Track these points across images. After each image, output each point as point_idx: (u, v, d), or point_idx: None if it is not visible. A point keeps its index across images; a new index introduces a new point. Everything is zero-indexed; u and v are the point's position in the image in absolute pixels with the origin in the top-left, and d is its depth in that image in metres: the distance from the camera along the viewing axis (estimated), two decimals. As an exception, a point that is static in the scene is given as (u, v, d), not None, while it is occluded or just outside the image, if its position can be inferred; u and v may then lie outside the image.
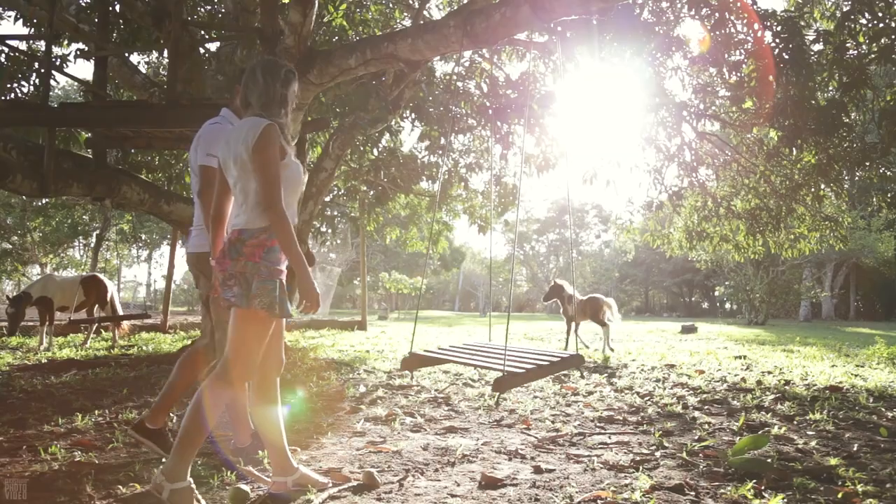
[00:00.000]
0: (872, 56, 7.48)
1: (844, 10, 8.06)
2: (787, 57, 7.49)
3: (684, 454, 3.97)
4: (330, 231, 15.41)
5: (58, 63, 9.32)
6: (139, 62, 12.81)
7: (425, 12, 11.19)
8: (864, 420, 5.17)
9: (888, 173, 9.53)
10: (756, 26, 7.39)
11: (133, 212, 19.21)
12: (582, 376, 7.57)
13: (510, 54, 11.90)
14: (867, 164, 8.93)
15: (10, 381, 6.61)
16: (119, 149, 10.09)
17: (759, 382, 7.21)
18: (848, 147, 8.88)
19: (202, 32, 9.36)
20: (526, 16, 5.51)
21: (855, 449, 4.15)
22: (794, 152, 8.92)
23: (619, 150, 13.96)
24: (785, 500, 3.13)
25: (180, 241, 14.98)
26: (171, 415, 4.81)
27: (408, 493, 3.24)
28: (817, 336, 18.12)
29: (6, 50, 8.55)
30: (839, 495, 3.19)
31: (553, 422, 5.08)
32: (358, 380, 7.18)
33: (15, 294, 10.45)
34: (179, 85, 6.40)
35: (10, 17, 9.25)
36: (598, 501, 3.13)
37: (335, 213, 14.84)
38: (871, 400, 6.05)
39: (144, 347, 10.34)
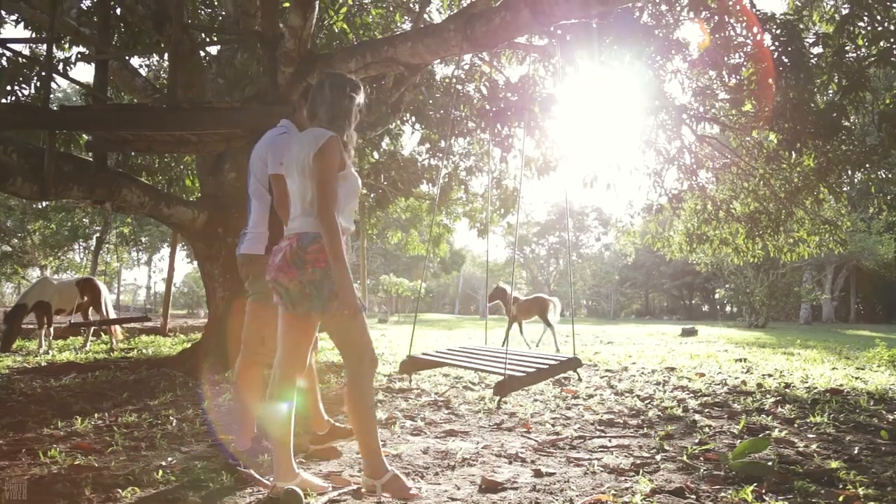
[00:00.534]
0: (872, 59, 7.48)
1: (843, 13, 8.06)
2: (786, 60, 7.50)
3: (685, 457, 3.97)
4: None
5: (59, 66, 9.32)
6: (140, 65, 12.83)
7: (425, 16, 11.19)
8: (865, 423, 5.17)
9: (888, 176, 9.53)
10: (755, 29, 7.40)
11: (133, 215, 19.22)
12: (580, 379, 7.57)
13: (510, 58, 11.90)
14: (867, 166, 8.93)
15: (10, 384, 6.61)
16: (119, 152, 10.10)
17: (759, 385, 7.21)
18: (848, 150, 8.88)
19: (203, 36, 9.37)
20: (525, 19, 5.52)
21: (856, 452, 4.15)
22: (794, 155, 8.91)
23: (619, 153, 13.97)
24: (786, 503, 3.13)
25: (180, 245, 15.01)
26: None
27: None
28: (818, 339, 18.12)
29: (8, 53, 8.56)
30: (840, 499, 3.19)
31: (553, 425, 5.08)
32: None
33: (11, 307, 10.38)
34: (180, 89, 6.40)
35: (11, 21, 9.24)
36: (599, 505, 3.13)
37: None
38: (871, 403, 6.04)
39: (144, 350, 10.33)
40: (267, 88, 6.29)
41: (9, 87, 8.59)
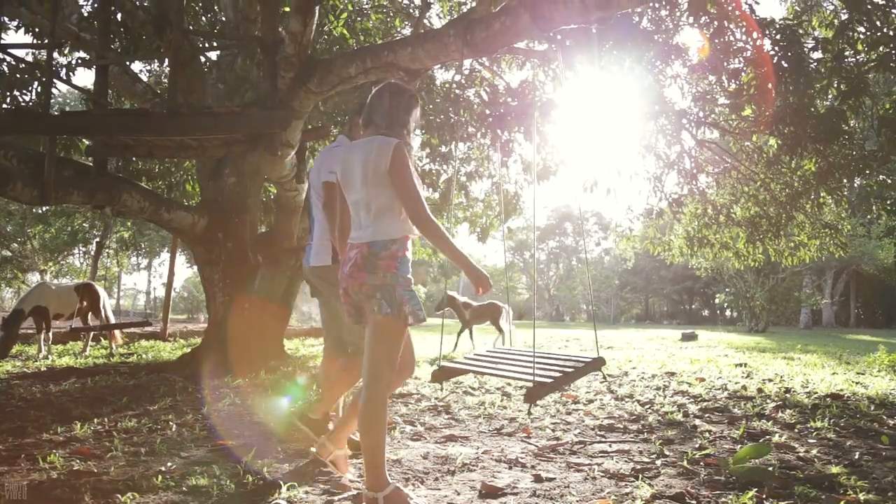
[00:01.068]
0: (871, 64, 7.49)
1: (843, 18, 8.08)
2: (786, 65, 7.51)
3: (685, 463, 3.96)
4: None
5: (60, 72, 9.33)
6: (140, 71, 12.85)
7: (425, 21, 11.21)
8: (866, 428, 5.16)
9: (888, 181, 9.54)
10: (755, 34, 7.41)
11: (133, 220, 19.21)
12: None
13: (510, 63, 11.92)
14: (867, 171, 8.94)
15: (9, 389, 6.60)
16: (120, 157, 10.10)
17: (759, 390, 7.20)
18: (847, 154, 8.89)
19: (203, 41, 9.39)
20: (525, 25, 5.52)
21: (857, 457, 4.14)
22: (794, 160, 8.92)
23: (618, 158, 13.98)
24: (786, 508, 3.12)
25: (180, 250, 15.01)
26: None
27: (408, 502, 3.23)
28: (818, 343, 18.11)
29: (8, 59, 8.57)
30: (841, 503, 3.19)
31: (553, 430, 5.08)
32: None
33: (9, 312, 10.34)
34: (180, 94, 6.41)
35: (12, 26, 9.25)
36: (599, 510, 3.13)
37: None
38: (872, 407, 6.03)
39: (144, 355, 10.32)
40: (267, 93, 6.30)
41: (9, 93, 8.59)
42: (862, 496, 3.28)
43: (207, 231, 8.65)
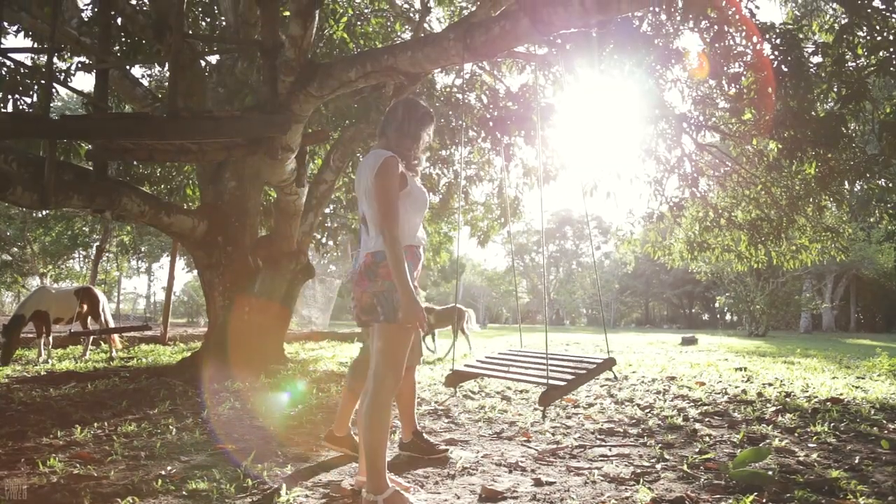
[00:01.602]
0: (871, 68, 7.50)
1: (843, 22, 8.08)
2: (785, 69, 7.51)
3: (685, 467, 3.96)
4: (331, 243, 15.42)
5: (59, 76, 9.34)
6: (141, 75, 12.86)
7: (426, 25, 11.23)
8: (866, 432, 5.15)
9: (889, 185, 9.53)
10: (755, 39, 7.41)
11: (133, 223, 19.23)
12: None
13: (510, 67, 11.94)
14: (868, 175, 8.93)
15: (9, 393, 6.59)
16: (120, 161, 10.10)
17: (759, 394, 7.19)
18: (848, 159, 8.89)
19: (203, 45, 9.39)
20: (525, 29, 5.52)
21: (857, 461, 4.14)
22: (795, 164, 8.92)
23: (619, 162, 13.97)
24: (787, 513, 3.12)
25: (180, 254, 15.01)
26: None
27: (408, 507, 3.23)
28: (818, 348, 18.10)
29: (8, 63, 8.58)
30: (841, 508, 3.18)
31: (553, 434, 5.07)
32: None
33: (9, 318, 10.31)
34: (180, 98, 6.41)
35: (12, 31, 9.26)
36: (599, 514, 3.12)
37: (335, 224, 14.84)
38: (872, 412, 6.03)
39: (144, 359, 10.32)
40: (267, 97, 6.30)
41: (9, 97, 8.60)
42: (862, 500, 3.28)
43: (207, 235, 8.65)
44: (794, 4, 10.62)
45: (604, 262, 66.83)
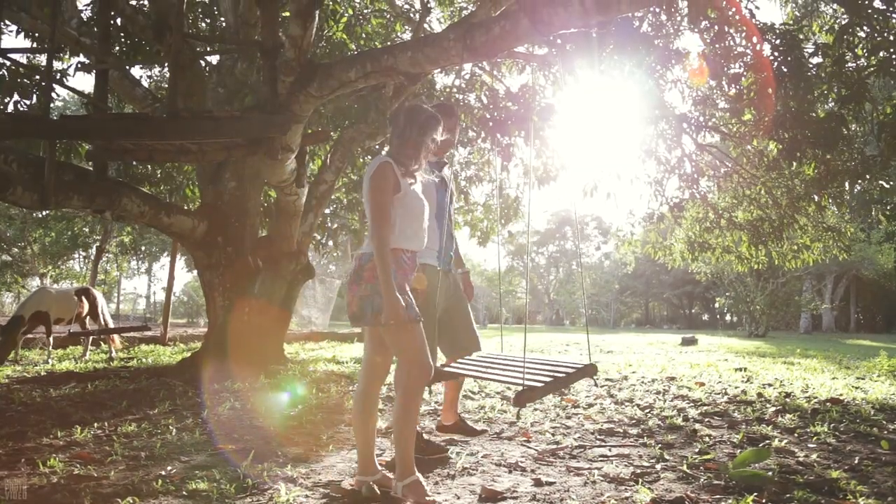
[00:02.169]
0: (871, 69, 7.49)
1: (843, 23, 8.08)
2: (785, 70, 7.51)
3: (685, 467, 3.96)
4: (331, 243, 15.43)
5: (58, 76, 9.33)
6: (140, 75, 12.87)
7: (425, 25, 11.23)
8: (866, 433, 5.16)
9: (888, 186, 9.53)
10: (755, 39, 7.41)
11: (133, 224, 19.22)
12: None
13: (510, 67, 11.94)
14: (867, 176, 8.93)
15: (9, 393, 6.59)
16: (120, 161, 10.10)
17: (759, 395, 7.19)
18: (847, 159, 8.89)
19: (203, 45, 9.39)
20: (525, 29, 5.52)
21: (856, 462, 4.14)
22: (794, 165, 8.92)
23: (619, 162, 13.97)
24: (786, 513, 3.12)
25: (180, 254, 14.99)
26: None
27: (408, 507, 3.24)
28: (818, 348, 18.09)
29: (8, 63, 8.58)
30: (841, 508, 3.18)
31: (553, 434, 5.07)
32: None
33: (8, 319, 10.31)
34: (180, 98, 6.42)
35: (11, 31, 9.26)
36: (599, 515, 3.12)
37: (335, 224, 14.86)
38: (872, 412, 6.03)
39: (144, 360, 10.32)
40: (267, 98, 6.30)
41: (9, 97, 8.59)
42: (862, 501, 3.28)
43: (207, 235, 8.65)
44: (794, 5, 10.64)
45: (604, 263, 66.85)
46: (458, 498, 3.41)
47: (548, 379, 3.51)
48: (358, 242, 15.64)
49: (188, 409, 5.93)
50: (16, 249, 26.96)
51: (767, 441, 4.76)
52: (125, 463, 3.96)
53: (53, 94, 8.02)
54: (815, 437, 4.94)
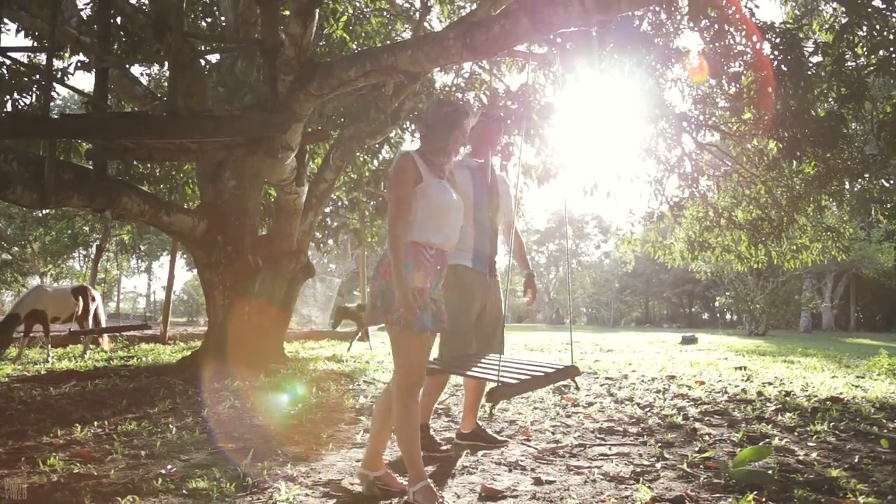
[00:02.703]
0: (871, 68, 7.50)
1: (843, 22, 8.08)
2: (785, 69, 7.51)
3: (685, 466, 3.96)
4: (332, 241, 15.42)
5: (58, 75, 9.33)
6: (140, 74, 12.85)
7: (425, 24, 11.22)
8: (866, 431, 5.16)
9: (887, 185, 9.54)
10: (755, 38, 7.41)
11: (133, 223, 19.22)
12: (577, 388, 7.55)
13: (510, 66, 11.93)
14: (867, 175, 8.93)
15: (9, 392, 6.59)
16: (120, 160, 10.09)
17: (759, 393, 7.19)
18: (847, 158, 8.89)
19: (203, 44, 9.39)
20: (525, 28, 5.52)
21: (856, 460, 4.14)
22: (794, 164, 8.93)
23: (619, 161, 13.96)
24: (786, 511, 3.12)
25: (180, 253, 14.98)
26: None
27: (408, 505, 3.24)
28: (818, 347, 18.10)
29: (7, 62, 8.58)
30: (841, 507, 3.19)
31: (553, 433, 5.07)
32: (358, 391, 7.16)
33: (4, 316, 10.31)
34: (180, 97, 6.41)
35: (11, 30, 9.25)
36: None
37: (335, 223, 14.85)
38: (872, 411, 6.03)
39: (144, 358, 10.32)
40: (267, 96, 6.30)
41: (9, 96, 8.60)
42: (861, 499, 3.28)
43: (207, 234, 8.65)
44: (794, 4, 10.63)
45: (603, 262, 66.81)
46: (459, 497, 3.41)
47: (525, 377, 3.51)
48: (358, 241, 15.64)
49: (188, 407, 5.93)
50: (16, 248, 26.96)
51: (767, 440, 4.76)
52: (125, 461, 3.96)
53: (53, 93, 8.02)
54: (815, 436, 4.94)
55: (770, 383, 8.22)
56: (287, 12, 7.69)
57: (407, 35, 11.81)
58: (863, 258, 34.57)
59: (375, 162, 13.08)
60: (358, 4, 11.49)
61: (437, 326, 3.32)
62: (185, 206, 9.88)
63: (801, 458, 4.22)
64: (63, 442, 4.49)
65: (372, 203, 13.77)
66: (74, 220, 23.51)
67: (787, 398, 6.82)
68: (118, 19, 8.82)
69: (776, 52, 7.57)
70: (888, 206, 11.50)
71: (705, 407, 6.25)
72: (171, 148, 6.36)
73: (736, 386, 7.86)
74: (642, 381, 8.40)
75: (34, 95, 8.89)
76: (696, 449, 4.48)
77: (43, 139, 6.92)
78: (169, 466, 3.85)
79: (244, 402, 6.17)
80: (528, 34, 5.70)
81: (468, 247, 4.32)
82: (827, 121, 7.86)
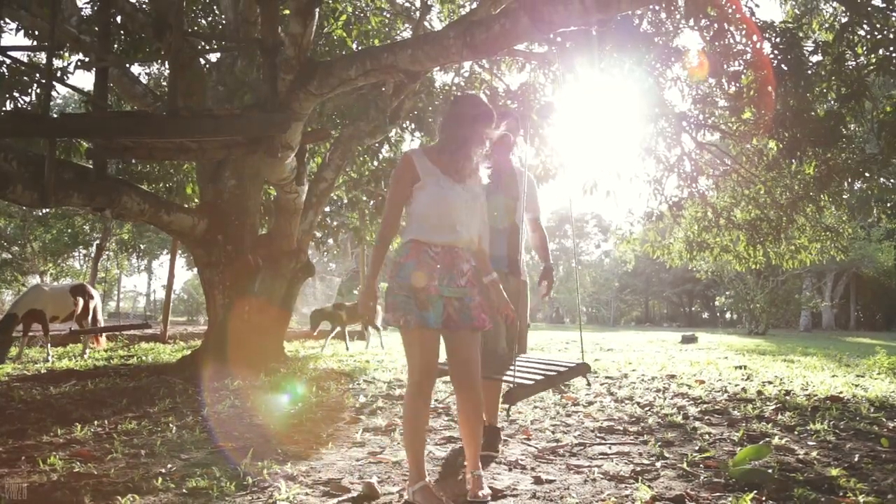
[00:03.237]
0: (871, 67, 7.50)
1: (843, 21, 8.08)
2: (785, 68, 7.51)
3: (685, 465, 3.96)
4: (331, 241, 15.43)
5: (58, 74, 9.34)
6: (140, 73, 12.84)
7: (425, 23, 11.22)
8: (865, 430, 5.16)
9: (888, 185, 9.54)
10: (755, 37, 7.41)
11: (133, 222, 19.23)
12: (589, 384, 7.55)
13: (510, 65, 11.93)
14: (867, 175, 8.93)
15: (10, 391, 6.60)
16: (120, 159, 10.09)
17: (759, 392, 7.19)
18: (847, 158, 8.88)
19: (203, 43, 9.38)
20: (525, 27, 5.53)
21: (856, 459, 4.14)
22: (794, 164, 8.92)
23: (618, 161, 13.96)
24: (786, 511, 3.12)
25: (180, 252, 14.97)
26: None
27: (408, 504, 3.24)
28: (818, 346, 18.10)
29: (7, 61, 8.58)
30: (840, 506, 3.19)
31: (553, 432, 5.07)
32: (358, 390, 7.17)
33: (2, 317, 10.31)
34: (180, 96, 6.41)
35: (11, 29, 9.25)
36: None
37: (335, 222, 14.84)
38: (871, 410, 6.03)
39: (144, 358, 10.32)
40: (267, 96, 6.30)
41: (9, 95, 8.59)
42: (861, 498, 3.28)
43: (207, 233, 8.65)
44: (794, 3, 10.63)
45: (603, 261, 66.77)
46: (458, 496, 3.40)
47: (539, 377, 3.51)
48: (358, 240, 15.63)
49: (188, 406, 5.94)
50: (16, 247, 26.95)
51: (767, 439, 4.76)
52: (125, 461, 3.96)
53: (53, 93, 8.02)
54: (814, 435, 4.94)
55: (770, 382, 8.22)
56: (287, 11, 7.69)
57: (407, 34, 11.80)
58: (863, 257, 34.57)
59: (375, 161, 13.08)
60: (358, 3, 11.49)
61: (450, 323, 3.28)
62: (185, 206, 9.87)
63: (800, 457, 4.22)
64: (63, 441, 4.49)
65: (372, 202, 13.77)
66: (74, 219, 23.51)
67: (787, 397, 6.83)
68: (118, 18, 8.83)
69: (776, 52, 7.58)
70: (888, 204, 11.49)
71: (705, 406, 6.25)
72: (171, 147, 6.36)
73: (736, 385, 7.86)
74: (642, 380, 8.40)
75: (34, 94, 8.88)
76: (696, 448, 4.48)
77: (43, 138, 6.92)
78: (169, 465, 3.85)
79: (244, 402, 6.17)
80: (528, 33, 5.70)
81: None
82: (827, 120, 7.85)
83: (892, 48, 7.29)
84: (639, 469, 3.91)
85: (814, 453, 4.31)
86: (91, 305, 10.91)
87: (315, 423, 5.33)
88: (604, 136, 11.07)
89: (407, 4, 12.12)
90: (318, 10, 6.84)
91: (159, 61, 11.88)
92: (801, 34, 8.37)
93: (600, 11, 5.25)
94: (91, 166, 7.05)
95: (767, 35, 7.66)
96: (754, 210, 11.00)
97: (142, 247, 31.44)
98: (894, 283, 39.58)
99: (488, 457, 4.17)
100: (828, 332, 35.81)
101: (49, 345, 10.37)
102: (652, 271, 57.54)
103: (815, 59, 8.15)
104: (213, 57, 10.18)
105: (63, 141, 8.67)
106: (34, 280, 27.27)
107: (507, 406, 3.46)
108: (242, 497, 3.32)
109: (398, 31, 11.85)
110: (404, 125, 12.02)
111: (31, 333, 10.58)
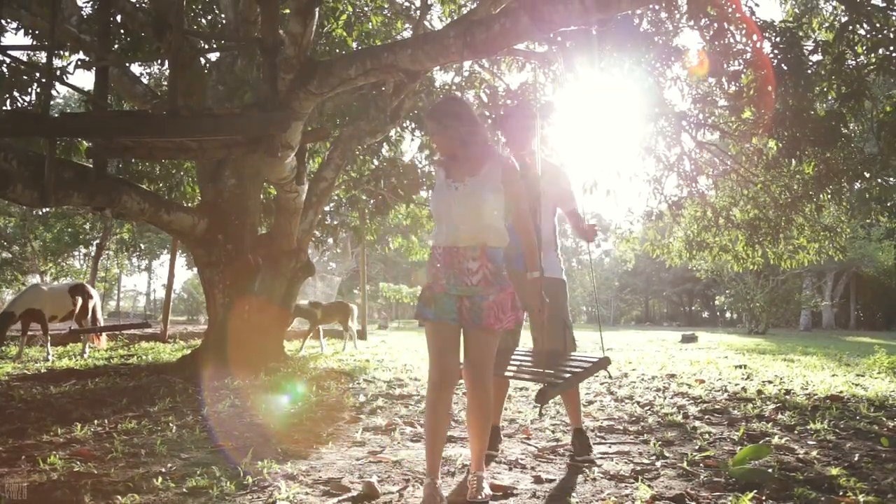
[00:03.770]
0: (871, 67, 7.50)
1: (843, 20, 8.08)
2: (785, 67, 7.51)
3: (685, 464, 3.96)
4: (331, 240, 15.42)
5: (58, 74, 9.33)
6: (140, 73, 12.84)
7: (426, 23, 11.22)
8: (865, 430, 5.16)
9: (887, 184, 9.54)
10: (755, 37, 7.41)
11: (133, 221, 19.21)
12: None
13: (510, 64, 11.92)
14: (866, 174, 8.92)
15: (10, 390, 6.59)
16: (120, 159, 10.09)
17: (759, 392, 7.20)
18: (847, 158, 8.88)
19: (203, 43, 9.38)
20: (525, 27, 5.52)
21: (856, 459, 4.14)
22: (794, 163, 8.92)
23: (618, 160, 13.95)
24: (786, 510, 3.12)
25: (180, 251, 14.97)
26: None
27: (408, 504, 3.24)
28: (818, 345, 18.10)
29: (7, 61, 8.57)
30: (840, 505, 3.19)
31: (553, 432, 5.08)
32: (358, 389, 7.17)
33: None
34: (180, 96, 6.40)
35: (12, 28, 9.24)
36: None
37: (335, 221, 14.84)
38: (871, 410, 6.03)
39: (144, 357, 10.32)
40: (267, 95, 6.29)
41: (9, 95, 8.58)
42: (861, 498, 3.28)
43: (207, 233, 8.65)
44: (794, 2, 10.62)
45: (603, 260, 66.78)
46: (460, 494, 3.41)
47: (567, 375, 3.55)
48: (358, 240, 15.64)
49: (188, 406, 5.94)
50: (16, 247, 26.94)
51: (767, 438, 4.76)
52: (125, 460, 3.96)
53: (53, 92, 8.02)
54: (814, 435, 4.94)
55: (770, 382, 8.23)
56: (287, 11, 7.69)
57: (407, 34, 11.80)
58: (863, 257, 34.59)
59: (375, 161, 13.08)
60: (358, 3, 11.49)
61: (463, 321, 3.31)
62: (186, 205, 9.87)
63: (800, 456, 4.22)
64: (63, 440, 4.49)
65: (372, 201, 13.76)
66: (75, 219, 23.51)
67: (787, 397, 6.83)
68: (118, 18, 8.82)
69: (776, 51, 7.57)
70: (889, 204, 11.48)
71: (705, 405, 6.26)
72: (171, 146, 6.35)
73: (736, 384, 7.86)
74: (642, 379, 8.41)
75: (34, 94, 8.87)
76: (696, 447, 4.48)
77: (43, 138, 6.92)
78: (169, 465, 3.85)
79: (244, 401, 6.17)
80: (529, 32, 5.70)
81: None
82: (827, 120, 7.85)
83: (892, 47, 7.29)
84: (639, 468, 3.91)
85: (814, 453, 4.31)
86: (90, 305, 10.90)
87: (315, 422, 5.33)
88: (604, 136, 11.07)
89: (407, 4, 12.12)
90: (318, 9, 6.83)
91: (159, 61, 11.87)
92: (800, 33, 8.36)
93: (600, 11, 5.25)
94: (91, 166, 7.04)
95: (767, 34, 7.65)
96: (753, 210, 10.99)
97: (142, 246, 31.44)
98: (894, 282, 39.60)
99: (488, 456, 4.15)
100: (828, 331, 35.82)
101: (49, 344, 10.37)
102: (652, 270, 57.57)
103: (814, 58, 8.14)
104: (213, 56, 10.18)
105: (63, 140, 8.67)
106: (34, 279, 27.28)
107: (539, 405, 3.46)
108: (242, 496, 3.32)
109: (398, 31, 11.84)
110: (404, 125, 12.02)
111: (29, 333, 10.57)
